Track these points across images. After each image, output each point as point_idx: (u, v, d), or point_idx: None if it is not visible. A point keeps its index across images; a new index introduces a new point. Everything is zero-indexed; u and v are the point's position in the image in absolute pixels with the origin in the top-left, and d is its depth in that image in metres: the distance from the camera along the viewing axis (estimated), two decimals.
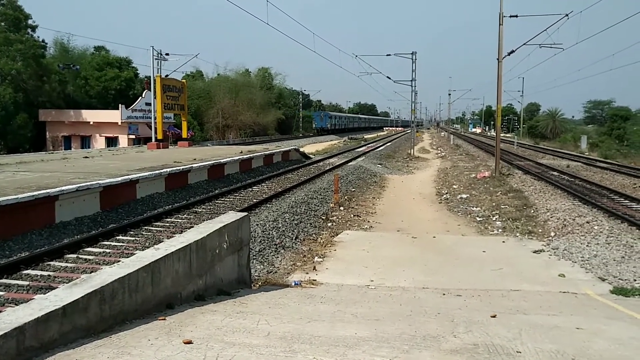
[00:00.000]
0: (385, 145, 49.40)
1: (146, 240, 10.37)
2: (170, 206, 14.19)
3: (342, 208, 15.59)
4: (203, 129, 55.97)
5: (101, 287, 4.18)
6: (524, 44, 25.11)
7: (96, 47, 50.71)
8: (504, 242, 11.81)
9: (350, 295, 7.28)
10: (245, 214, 7.80)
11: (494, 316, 5.63)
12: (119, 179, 13.74)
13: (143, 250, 6.11)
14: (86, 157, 21.68)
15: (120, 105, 38.98)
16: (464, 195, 18.67)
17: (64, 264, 8.71)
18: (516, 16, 23.85)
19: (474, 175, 24.42)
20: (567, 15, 22.33)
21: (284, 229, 12.13)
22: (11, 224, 10.15)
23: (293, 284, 8.21)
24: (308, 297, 6.74)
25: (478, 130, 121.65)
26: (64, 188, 11.68)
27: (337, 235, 12.23)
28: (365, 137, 77.55)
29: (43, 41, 41.20)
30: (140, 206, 13.92)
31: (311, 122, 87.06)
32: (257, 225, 11.87)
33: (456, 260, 10.07)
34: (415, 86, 41.76)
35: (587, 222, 12.93)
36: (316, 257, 10.09)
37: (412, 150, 41.58)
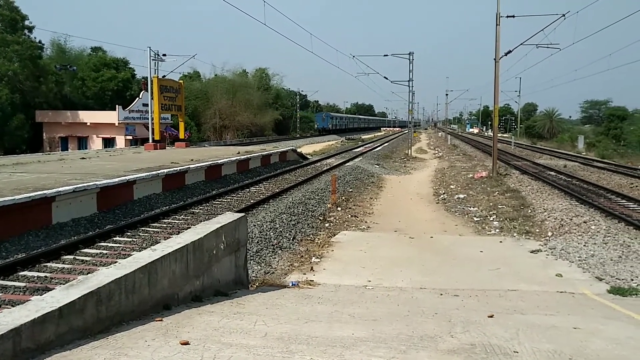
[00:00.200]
0: (382, 146, 49.43)
1: (143, 241, 10.35)
2: (167, 207, 14.17)
3: (339, 208, 15.59)
4: (200, 130, 55.94)
5: (98, 288, 4.16)
6: (521, 44, 25.17)
7: (93, 47, 50.64)
8: (501, 242, 11.82)
9: (348, 296, 7.27)
10: (243, 214, 7.79)
11: (492, 316, 5.63)
12: (116, 179, 13.71)
13: (140, 251, 6.09)
14: (83, 158, 21.64)
15: (117, 106, 38.91)
16: (462, 196, 18.69)
17: (60, 265, 8.69)
18: (513, 16, 23.90)
19: (471, 175, 24.44)
20: (563, 15, 22.38)
21: (281, 229, 12.12)
22: (8, 225, 10.12)
23: (290, 284, 8.20)
24: (305, 298, 6.74)
25: (475, 131, 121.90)
26: (60, 189, 11.65)
27: (334, 235, 12.23)
28: (363, 137, 77.71)
29: (40, 42, 41.11)
30: (138, 207, 13.90)
31: (309, 123, 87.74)
32: (255, 225, 11.86)
33: (454, 260, 10.08)
34: (412, 86, 41.77)
35: (584, 222, 12.95)
36: (313, 258, 10.09)
37: (409, 150, 41.60)
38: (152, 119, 30.69)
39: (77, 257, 9.17)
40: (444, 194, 19.57)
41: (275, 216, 13.17)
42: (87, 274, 5.68)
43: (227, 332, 4.39)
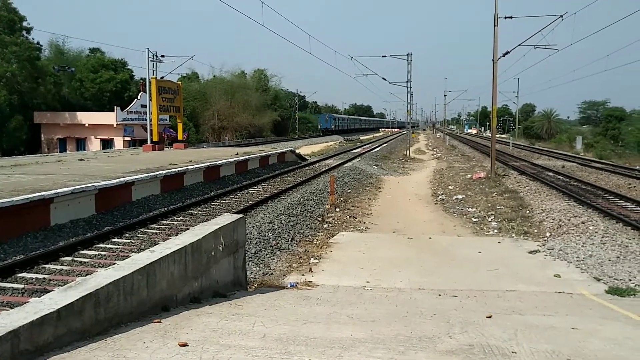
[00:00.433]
0: (381, 147, 49.43)
1: (142, 242, 10.34)
2: (165, 208, 14.17)
3: (338, 209, 15.60)
4: (199, 131, 55.92)
5: (96, 290, 4.17)
6: (519, 45, 25.19)
7: (91, 49, 50.66)
8: (499, 242, 11.83)
9: (346, 297, 7.28)
10: (241, 215, 7.80)
11: (490, 317, 5.64)
12: (115, 181, 13.70)
13: (138, 252, 6.10)
14: (81, 160, 21.62)
15: (115, 107, 38.89)
16: (460, 196, 18.71)
17: (59, 267, 8.68)
18: (511, 17, 23.93)
19: (469, 176, 24.47)
20: (561, 16, 22.41)
21: (279, 230, 12.12)
22: (6, 227, 10.11)
23: (289, 285, 8.20)
24: (304, 299, 6.74)
25: (474, 131, 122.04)
26: (59, 190, 11.64)
27: (333, 236, 12.23)
28: (361, 138, 77.76)
29: (38, 43, 41.09)
30: (136, 208, 13.89)
31: (307, 124, 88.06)
32: (253, 227, 11.86)
33: (452, 261, 10.09)
34: (410, 87, 41.81)
35: (583, 223, 12.97)
36: (312, 259, 10.09)
37: (407, 151, 41.63)
38: (151, 120, 30.68)
39: (75, 259, 9.16)
40: (442, 194, 19.59)
41: (274, 217, 13.17)
42: (86, 275, 5.68)
43: (226, 334, 4.39)
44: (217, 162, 20.50)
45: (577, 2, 23.38)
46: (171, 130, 38.91)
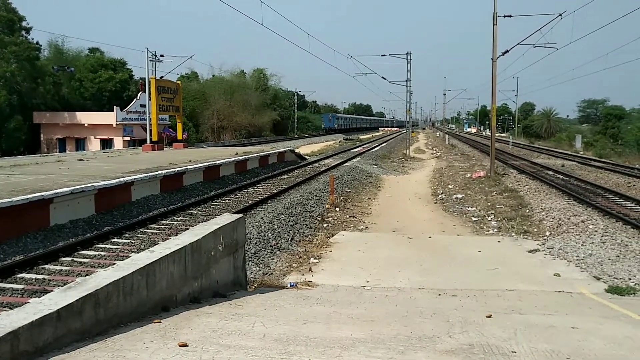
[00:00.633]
0: (380, 146, 49.42)
1: (141, 242, 10.34)
2: (165, 208, 14.16)
3: (337, 209, 15.60)
4: (198, 131, 55.89)
5: (96, 291, 4.17)
6: (518, 43, 25.18)
7: (90, 48, 50.62)
8: (499, 241, 11.83)
9: (346, 297, 7.28)
10: (241, 215, 7.79)
11: (490, 316, 5.64)
12: (114, 181, 13.70)
13: (138, 252, 6.09)
14: (81, 160, 21.61)
15: (114, 107, 38.87)
16: (460, 195, 18.71)
17: (58, 267, 8.68)
18: (510, 16, 23.92)
19: (469, 175, 24.47)
20: (560, 15, 22.40)
21: (279, 230, 12.12)
22: (5, 227, 10.10)
23: (289, 285, 8.20)
24: (304, 299, 6.74)
25: (473, 130, 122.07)
26: (58, 191, 11.64)
27: (332, 236, 12.23)
28: (361, 137, 77.79)
29: (37, 43, 41.06)
30: (136, 208, 13.89)
31: (307, 123, 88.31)
32: (253, 226, 11.85)
33: (452, 260, 10.09)
34: (410, 86, 41.80)
35: (582, 221, 12.97)
36: (312, 259, 10.09)
37: (407, 150, 41.64)
38: (150, 120, 30.66)
39: (75, 259, 9.16)
40: (442, 194, 19.59)
41: (274, 217, 13.16)
42: (86, 276, 5.68)
43: (226, 334, 4.39)
44: (217, 162, 20.49)
45: (576, 0, 23.36)
46: (170, 130, 38.88)
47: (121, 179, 14.08)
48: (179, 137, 34.64)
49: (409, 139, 44.62)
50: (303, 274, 9.01)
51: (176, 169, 17.28)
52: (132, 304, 4.63)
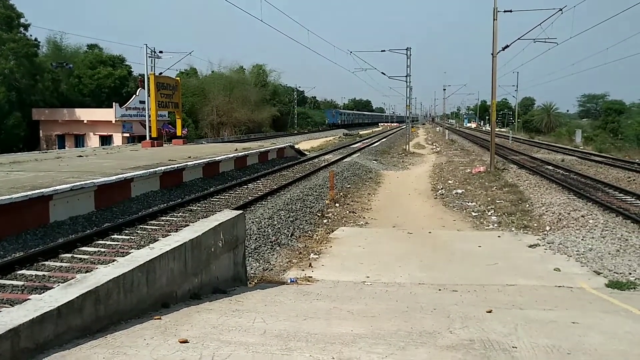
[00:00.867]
0: (380, 141, 49.40)
1: (141, 239, 10.34)
2: (165, 204, 14.16)
3: (337, 204, 15.59)
4: (197, 127, 55.81)
5: (96, 287, 4.16)
6: (518, 38, 25.14)
7: (89, 45, 50.48)
8: (499, 236, 11.84)
9: (346, 292, 7.28)
10: (241, 211, 7.79)
11: (490, 311, 5.64)
12: (114, 177, 13.69)
13: (138, 249, 6.09)
14: (80, 156, 21.59)
15: (114, 103, 38.77)
16: (460, 191, 18.71)
17: (58, 264, 8.68)
18: (510, 11, 23.91)
19: (469, 170, 24.46)
20: (561, 10, 22.36)
21: (279, 226, 12.12)
22: (5, 224, 10.10)
23: (289, 281, 8.20)
24: (304, 294, 6.74)
25: (473, 125, 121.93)
26: (58, 187, 11.63)
27: (332, 231, 12.23)
28: (361, 133, 77.71)
29: (36, 40, 40.91)
30: (135, 205, 13.88)
31: (306, 119, 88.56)
32: (253, 222, 11.85)
33: (452, 255, 10.09)
34: (410, 82, 41.81)
35: (582, 216, 12.97)
36: (312, 254, 10.09)
37: (407, 145, 41.63)
38: (149, 116, 30.61)
39: (75, 256, 9.16)
40: (442, 189, 19.59)
41: (274, 213, 13.16)
42: (86, 272, 5.68)
43: (226, 330, 4.39)
44: (216, 158, 20.48)
45: None
46: (170, 126, 38.81)
47: (121, 176, 14.07)
48: (179, 133, 34.57)
49: (408, 134, 44.60)
50: (303, 270, 9.01)
51: (176, 165, 17.27)
52: (132, 300, 4.62)
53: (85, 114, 39.68)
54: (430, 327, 4.77)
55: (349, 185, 19.57)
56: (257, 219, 12.26)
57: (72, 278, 4.62)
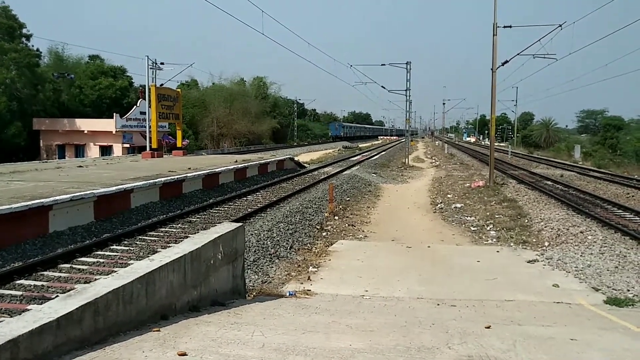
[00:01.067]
0: (379, 154, 49.47)
1: (140, 250, 10.33)
2: (164, 216, 14.16)
3: (336, 217, 15.60)
4: (198, 138, 55.97)
5: (95, 299, 4.17)
6: (518, 54, 25.32)
7: (91, 56, 50.76)
8: (498, 251, 11.84)
9: (345, 306, 7.27)
10: (240, 224, 7.80)
11: (489, 327, 5.64)
12: (113, 188, 13.70)
13: (137, 260, 6.10)
14: (80, 166, 21.62)
15: (114, 114, 38.94)
16: (459, 205, 18.72)
17: (57, 274, 8.66)
18: (510, 27, 24.08)
19: (468, 184, 24.49)
20: (560, 26, 22.53)
21: (278, 238, 12.11)
22: (5, 234, 10.09)
23: (288, 294, 8.19)
24: (303, 308, 6.73)
25: (472, 140, 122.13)
26: (57, 198, 11.64)
27: (331, 244, 12.23)
28: (360, 146, 77.91)
29: (37, 50, 41.20)
30: (135, 215, 13.88)
31: (306, 131, 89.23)
32: (252, 234, 11.85)
33: (451, 270, 10.09)
34: (409, 95, 41.96)
35: (581, 232, 12.98)
36: (311, 267, 10.08)
37: (406, 159, 41.70)
38: (150, 127, 30.71)
39: (74, 266, 9.15)
40: (441, 203, 19.61)
41: (273, 225, 13.16)
42: (85, 283, 5.68)
43: (225, 343, 4.39)
44: (216, 170, 20.51)
45: (576, 11, 23.60)
46: (170, 137, 38.94)
47: (120, 186, 14.09)
48: (179, 144, 34.68)
49: (408, 148, 44.70)
50: (302, 283, 9.00)
51: (175, 177, 17.29)
52: (131, 312, 4.63)
53: (85, 124, 39.82)
54: (428, 343, 4.76)
55: (348, 198, 19.59)
56: (256, 231, 12.26)
57: (71, 288, 4.63)
